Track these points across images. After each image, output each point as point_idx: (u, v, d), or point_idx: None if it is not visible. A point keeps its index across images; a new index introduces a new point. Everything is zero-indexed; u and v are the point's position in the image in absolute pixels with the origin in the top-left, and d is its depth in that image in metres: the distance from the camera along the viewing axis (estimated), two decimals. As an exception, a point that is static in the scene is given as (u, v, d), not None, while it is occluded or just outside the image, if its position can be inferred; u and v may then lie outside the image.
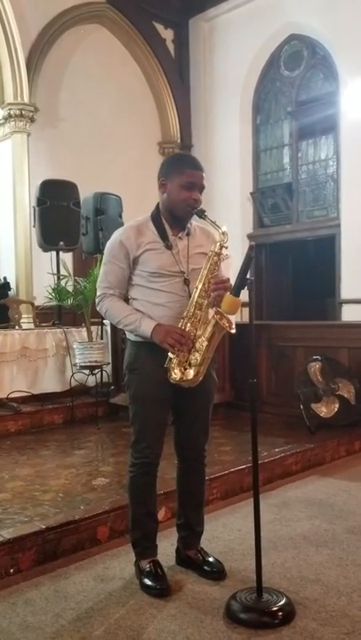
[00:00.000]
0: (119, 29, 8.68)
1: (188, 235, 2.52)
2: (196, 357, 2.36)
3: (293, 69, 8.64)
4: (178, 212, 2.47)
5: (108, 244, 2.54)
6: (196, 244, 2.53)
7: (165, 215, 2.51)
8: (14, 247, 7.23)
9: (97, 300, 2.56)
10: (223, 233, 2.40)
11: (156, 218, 2.51)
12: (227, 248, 2.43)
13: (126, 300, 2.57)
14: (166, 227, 2.49)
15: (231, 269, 2.52)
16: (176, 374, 2.36)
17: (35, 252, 6.97)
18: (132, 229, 2.49)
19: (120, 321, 2.49)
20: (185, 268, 2.46)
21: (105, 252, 2.56)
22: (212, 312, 2.37)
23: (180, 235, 2.51)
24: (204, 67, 9.26)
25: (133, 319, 2.44)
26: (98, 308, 2.58)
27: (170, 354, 2.36)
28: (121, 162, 8.30)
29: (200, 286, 2.38)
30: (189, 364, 2.37)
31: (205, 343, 2.35)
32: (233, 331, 2.35)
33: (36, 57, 7.56)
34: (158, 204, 2.54)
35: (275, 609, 2.24)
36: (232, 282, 2.34)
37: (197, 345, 2.36)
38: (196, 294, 2.38)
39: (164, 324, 2.41)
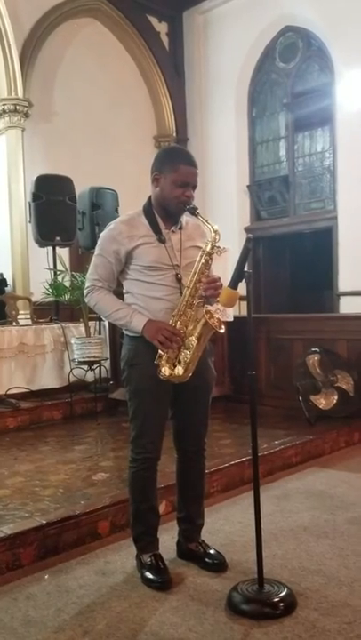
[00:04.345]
0: (113, 23, 8.63)
1: (180, 229, 2.52)
2: (185, 355, 2.37)
3: (289, 61, 8.60)
4: (170, 208, 2.47)
5: (100, 237, 2.54)
6: (189, 237, 2.52)
7: (158, 209, 2.50)
8: (10, 243, 7.20)
9: (85, 292, 2.56)
10: (215, 231, 2.40)
11: (148, 211, 2.50)
12: (219, 247, 2.43)
13: (120, 293, 2.57)
14: (159, 220, 2.49)
15: (229, 262, 2.52)
16: (165, 371, 2.38)
17: (31, 248, 6.94)
18: (123, 223, 2.49)
19: (110, 315, 2.50)
20: (179, 262, 2.46)
21: (97, 244, 2.55)
22: (202, 311, 2.38)
23: (172, 228, 2.50)
24: (198, 59, 9.21)
25: (124, 314, 2.45)
26: (86, 300, 2.58)
27: (160, 350, 2.37)
28: (116, 156, 8.26)
29: (191, 285, 2.38)
30: (179, 362, 2.38)
31: (195, 341, 2.36)
32: (222, 330, 2.36)
33: (29, 52, 7.52)
34: (150, 197, 2.53)
35: (276, 600, 2.25)
36: (230, 275, 2.34)
37: (187, 343, 2.37)
38: (187, 293, 2.39)
39: (162, 317, 2.42)
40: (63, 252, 6.70)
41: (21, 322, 6.12)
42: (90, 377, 5.56)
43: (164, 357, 2.38)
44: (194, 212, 2.42)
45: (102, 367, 5.60)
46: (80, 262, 6.65)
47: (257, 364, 5.47)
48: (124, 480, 2.92)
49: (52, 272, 6.02)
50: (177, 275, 2.44)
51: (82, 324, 5.69)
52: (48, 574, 2.60)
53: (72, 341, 5.55)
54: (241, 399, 5.25)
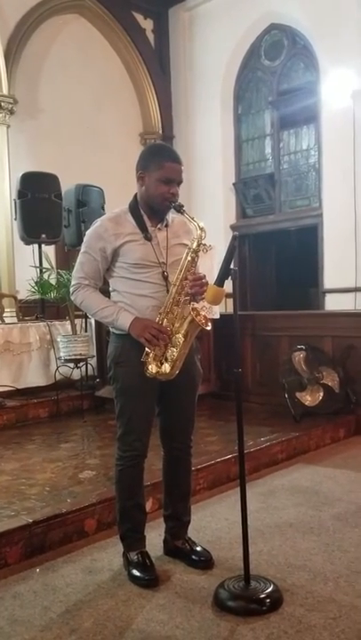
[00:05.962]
0: (98, 19, 8.58)
1: (166, 226, 2.52)
2: (172, 352, 2.37)
3: (274, 59, 8.61)
4: (156, 205, 2.46)
5: (86, 235, 2.54)
6: (175, 235, 2.52)
7: (143, 207, 2.50)
8: (-4, 240, 7.16)
9: (72, 290, 2.56)
10: (201, 228, 2.40)
11: (134, 209, 2.49)
12: (205, 245, 2.43)
13: (106, 291, 2.56)
14: (145, 218, 2.48)
15: (215, 260, 2.53)
16: (152, 368, 2.38)
17: (16, 245, 6.90)
18: (109, 221, 2.49)
19: (96, 313, 2.50)
20: (165, 259, 2.46)
21: (83, 241, 2.54)
22: (188, 308, 2.38)
23: (158, 226, 2.50)
24: (184, 57, 9.19)
25: (111, 312, 2.44)
26: (72, 298, 2.57)
27: (146, 348, 2.37)
28: (102, 153, 8.23)
29: (177, 282, 2.38)
30: (166, 359, 2.38)
31: (182, 339, 2.37)
32: (208, 328, 2.37)
33: (14, 48, 7.46)
34: (136, 194, 2.53)
35: (262, 596, 2.26)
36: (216, 272, 2.34)
37: (174, 340, 2.37)
38: (173, 290, 2.39)
39: (149, 314, 2.41)
40: (49, 250, 6.66)
41: (7, 320, 6.07)
42: (76, 375, 5.53)
43: (150, 355, 2.38)
44: (180, 209, 2.42)
45: (89, 365, 5.58)
46: (66, 260, 6.62)
47: (243, 361, 5.48)
48: (111, 478, 2.92)
49: (38, 270, 5.99)
50: (163, 272, 2.44)
51: (68, 322, 5.67)
52: (37, 570, 2.59)
53: (58, 339, 5.53)
54: (227, 396, 5.28)
